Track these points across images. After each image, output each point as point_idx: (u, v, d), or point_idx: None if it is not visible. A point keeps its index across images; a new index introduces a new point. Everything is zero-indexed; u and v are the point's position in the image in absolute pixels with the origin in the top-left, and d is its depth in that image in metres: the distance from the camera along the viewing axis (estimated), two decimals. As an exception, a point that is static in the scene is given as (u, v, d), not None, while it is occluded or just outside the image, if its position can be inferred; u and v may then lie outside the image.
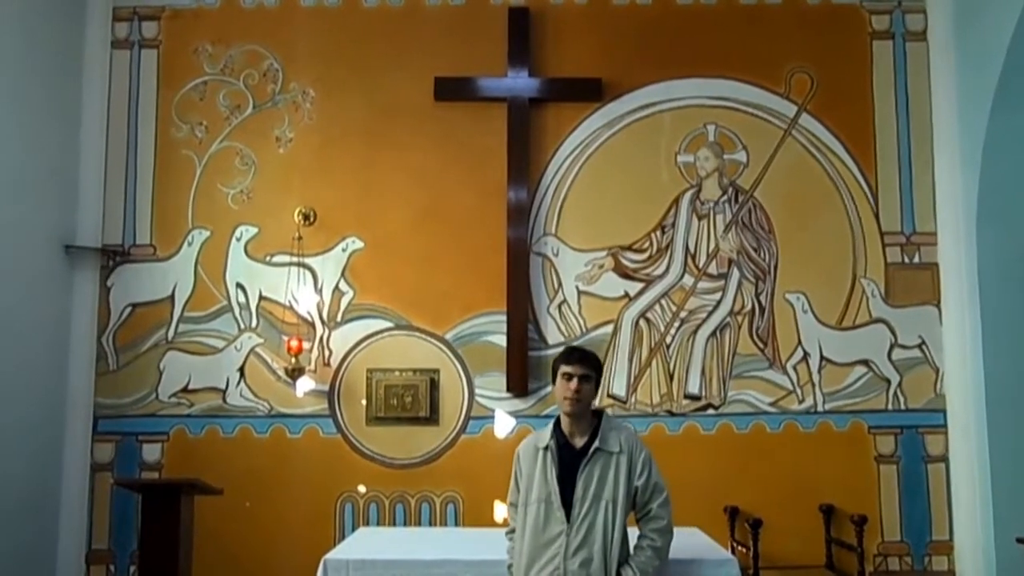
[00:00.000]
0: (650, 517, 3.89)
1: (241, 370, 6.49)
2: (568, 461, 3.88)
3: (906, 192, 6.63)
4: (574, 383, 3.87)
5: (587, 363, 3.93)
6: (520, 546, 3.90)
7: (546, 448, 3.92)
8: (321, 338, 6.52)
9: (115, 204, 6.60)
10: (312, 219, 6.57)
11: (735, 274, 6.59)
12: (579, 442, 3.91)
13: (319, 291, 6.56)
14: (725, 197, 6.66)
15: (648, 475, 3.89)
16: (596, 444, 3.86)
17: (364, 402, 6.47)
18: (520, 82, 6.64)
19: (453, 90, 6.66)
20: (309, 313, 6.54)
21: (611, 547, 3.77)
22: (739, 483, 6.34)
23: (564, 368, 3.93)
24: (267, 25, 6.75)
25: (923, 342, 6.51)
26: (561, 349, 6.25)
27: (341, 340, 6.52)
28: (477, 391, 6.49)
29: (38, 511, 6.07)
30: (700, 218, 6.65)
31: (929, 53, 6.69)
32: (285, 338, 6.42)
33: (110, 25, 6.73)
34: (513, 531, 4.03)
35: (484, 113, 6.65)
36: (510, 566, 3.99)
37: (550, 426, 4.00)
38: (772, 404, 6.47)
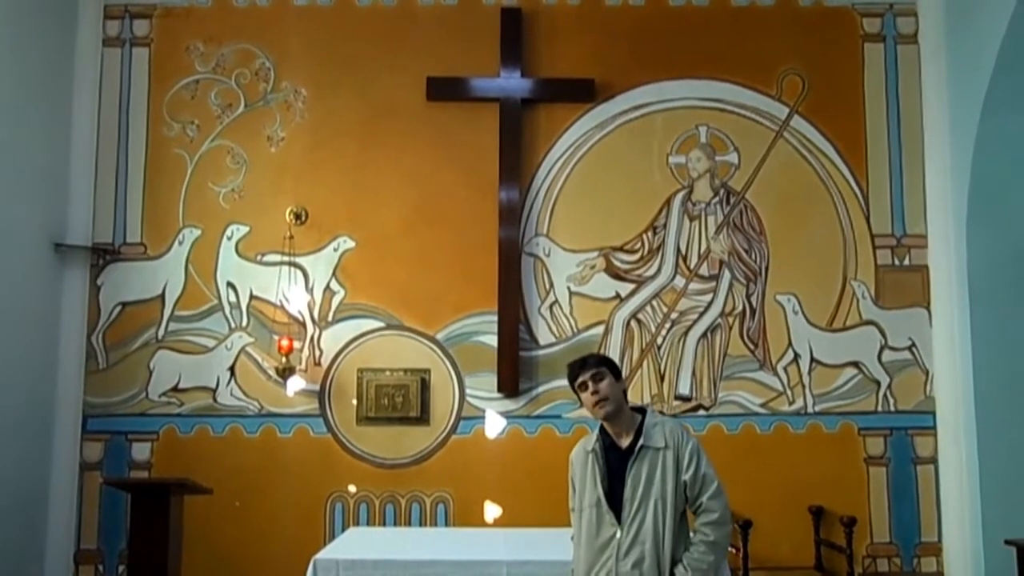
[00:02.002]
0: (702, 510, 3.77)
1: (231, 369, 6.47)
2: (616, 462, 3.79)
3: (896, 194, 6.66)
4: (590, 387, 3.80)
5: (591, 364, 3.86)
6: (577, 552, 3.83)
7: (592, 451, 3.85)
8: (312, 337, 6.51)
9: (105, 202, 6.58)
10: (303, 218, 6.56)
11: (726, 275, 6.60)
12: (625, 442, 3.81)
13: (310, 290, 6.55)
14: (716, 198, 6.67)
15: (696, 467, 3.78)
16: (641, 442, 3.77)
17: (355, 402, 6.46)
18: (512, 82, 6.64)
19: (445, 90, 6.66)
20: (300, 312, 6.52)
21: (663, 545, 3.67)
22: (729, 484, 6.16)
23: (577, 382, 3.86)
24: (259, 24, 6.74)
25: (913, 344, 6.54)
26: (554, 349, 6.39)
27: (332, 340, 6.52)
28: (468, 391, 6.49)
29: (27, 510, 6.04)
30: (691, 219, 6.66)
31: (920, 56, 6.72)
32: (276, 337, 6.41)
33: (101, 23, 6.71)
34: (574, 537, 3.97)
35: (476, 113, 6.65)
36: (572, 571, 3.92)
37: (597, 429, 3.93)
38: (762, 405, 6.49)
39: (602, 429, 3.90)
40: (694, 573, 3.66)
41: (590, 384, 3.79)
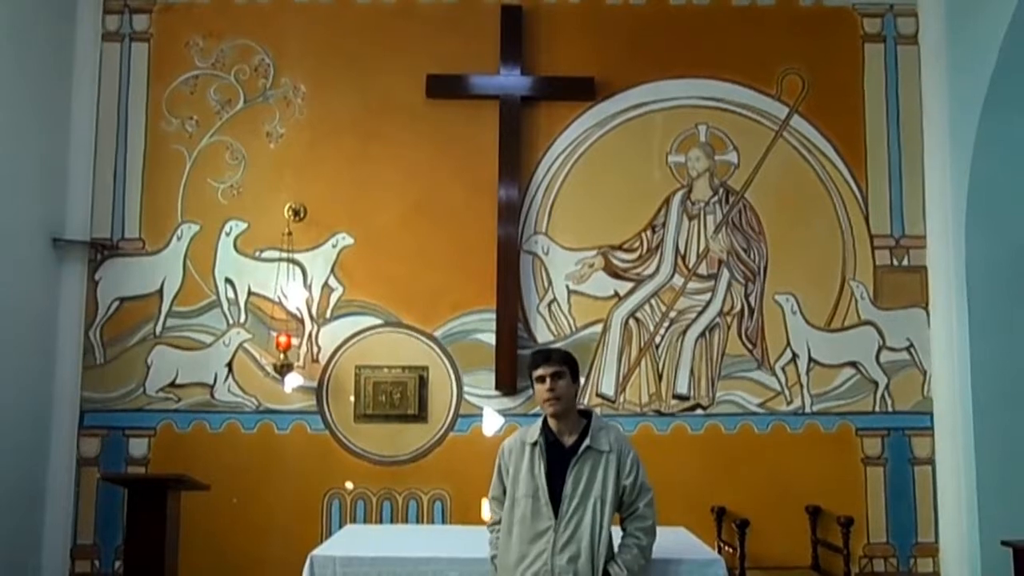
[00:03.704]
0: (636, 516, 3.91)
1: (229, 365, 6.47)
2: (557, 458, 3.90)
3: (896, 195, 6.66)
4: (547, 383, 3.90)
5: (554, 360, 3.95)
6: (507, 542, 3.91)
7: (535, 444, 3.94)
8: (310, 334, 6.51)
9: (104, 197, 6.57)
10: (302, 215, 6.56)
11: (725, 275, 6.60)
12: (568, 440, 3.93)
13: (308, 287, 6.54)
14: (716, 198, 6.67)
15: (636, 475, 3.91)
16: (587, 443, 3.88)
17: (352, 399, 6.46)
18: (512, 80, 6.63)
19: (445, 87, 6.65)
20: (298, 309, 6.52)
21: (599, 544, 3.79)
22: (726, 483, 6.36)
23: (536, 373, 3.96)
24: (259, 20, 6.73)
25: (911, 345, 6.54)
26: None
27: (330, 336, 6.51)
28: (466, 389, 6.49)
29: (23, 505, 6.04)
30: (691, 218, 6.65)
31: (920, 56, 6.72)
32: (274, 334, 6.41)
33: (101, 18, 6.70)
34: (495, 523, 4.04)
35: (476, 111, 6.65)
36: (493, 557, 4.01)
37: (538, 423, 4.02)
38: (760, 405, 6.49)
39: (545, 424, 3.99)
40: (628, 573, 3.81)
41: (548, 380, 3.91)
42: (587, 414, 4.03)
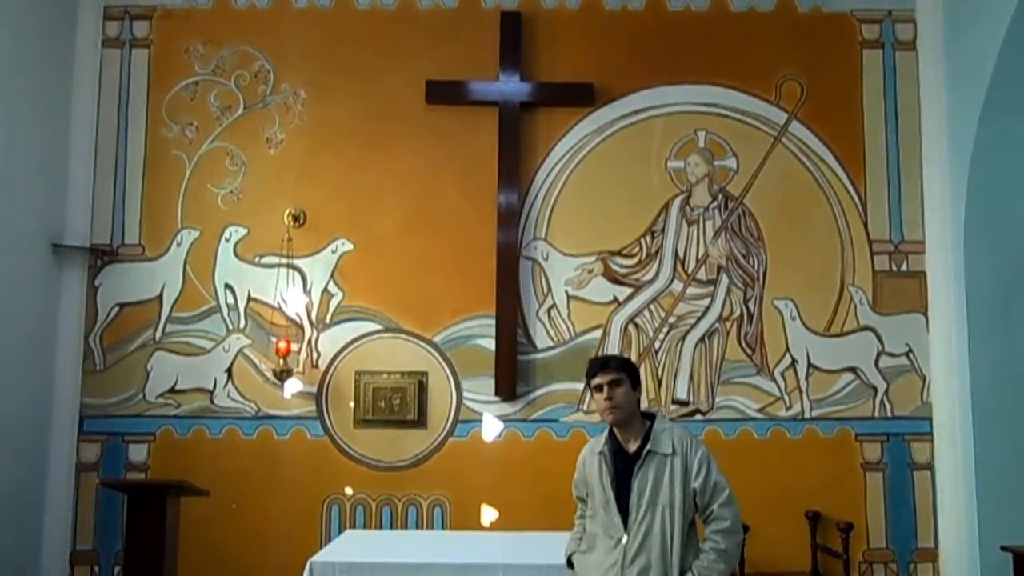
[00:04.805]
0: (713, 518, 3.72)
1: (229, 371, 6.47)
2: (622, 466, 3.77)
3: (894, 200, 6.67)
4: (605, 391, 3.76)
5: (612, 368, 3.81)
6: (589, 555, 3.81)
7: (600, 454, 3.83)
8: (309, 340, 6.51)
9: (104, 203, 6.58)
10: (302, 221, 6.57)
11: (724, 280, 6.60)
12: (632, 446, 3.78)
13: (308, 293, 6.55)
14: (715, 203, 6.68)
15: (706, 475, 3.72)
16: (648, 447, 3.73)
17: (352, 404, 6.45)
18: (511, 86, 6.64)
19: (444, 93, 6.66)
20: (298, 315, 6.52)
21: (671, 554, 3.63)
22: (726, 489, 6.34)
23: (593, 382, 3.82)
24: (259, 26, 6.74)
25: (910, 350, 6.54)
26: (551, 353, 6.40)
27: (329, 342, 6.51)
28: (465, 394, 6.48)
29: (23, 510, 6.03)
30: (690, 224, 6.66)
31: (918, 62, 6.73)
32: (273, 339, 6.41)
33: (101, 24, 6.71)
34: (580, 518, 3.99)
35: (475, 117, 6.65)
36: (570, 556, 3.93)
37: (606, 432, 3.91)
38: (759, 410, 6.49)
39: (611, 432, 3.87)
40: None
41: (606, 388, 3.76)
42: (651, 416, 3.88)
